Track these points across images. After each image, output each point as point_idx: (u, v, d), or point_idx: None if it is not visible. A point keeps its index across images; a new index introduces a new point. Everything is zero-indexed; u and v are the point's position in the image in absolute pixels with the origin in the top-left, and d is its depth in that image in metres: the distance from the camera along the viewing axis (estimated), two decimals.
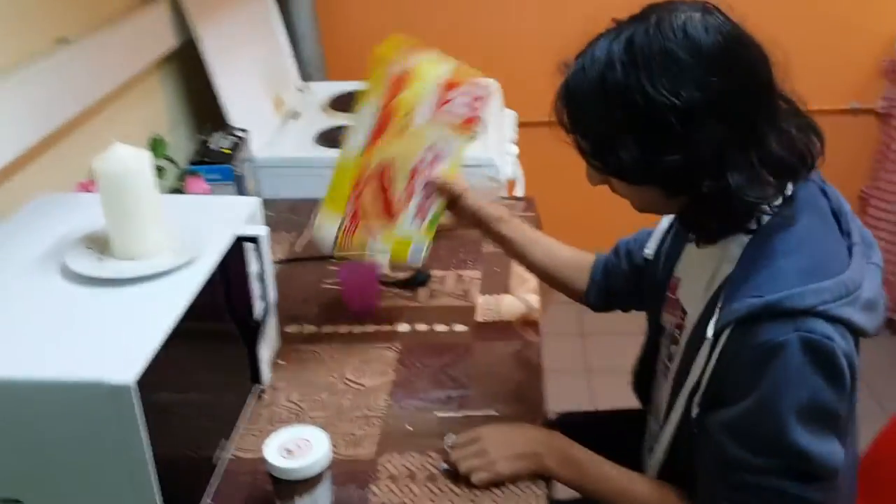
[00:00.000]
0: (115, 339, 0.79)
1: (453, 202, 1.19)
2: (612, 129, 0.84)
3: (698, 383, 0.88)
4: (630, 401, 1.31)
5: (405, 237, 1.17)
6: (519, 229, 1.21)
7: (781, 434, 0.80)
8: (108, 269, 0.89)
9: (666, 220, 1.12)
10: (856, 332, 0.82)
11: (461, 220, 1.22)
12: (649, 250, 1.13)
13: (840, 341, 0.79)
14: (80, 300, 0.86)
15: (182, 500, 0.89)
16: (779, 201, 0.86)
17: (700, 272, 0.94)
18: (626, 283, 1.19)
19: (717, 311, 0.85)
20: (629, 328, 1.30)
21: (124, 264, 0.90)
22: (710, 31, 0.80)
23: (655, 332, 1.10)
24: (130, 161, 0.88)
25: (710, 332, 0.84)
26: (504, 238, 1.21)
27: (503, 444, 0.99)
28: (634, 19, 0.84)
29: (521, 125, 2.18)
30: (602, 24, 0.89)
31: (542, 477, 0.99)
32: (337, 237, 1.13)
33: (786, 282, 0.80)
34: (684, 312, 0.98)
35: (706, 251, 0.93)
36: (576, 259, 1.24)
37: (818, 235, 0.86)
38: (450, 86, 1.12)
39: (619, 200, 0.96)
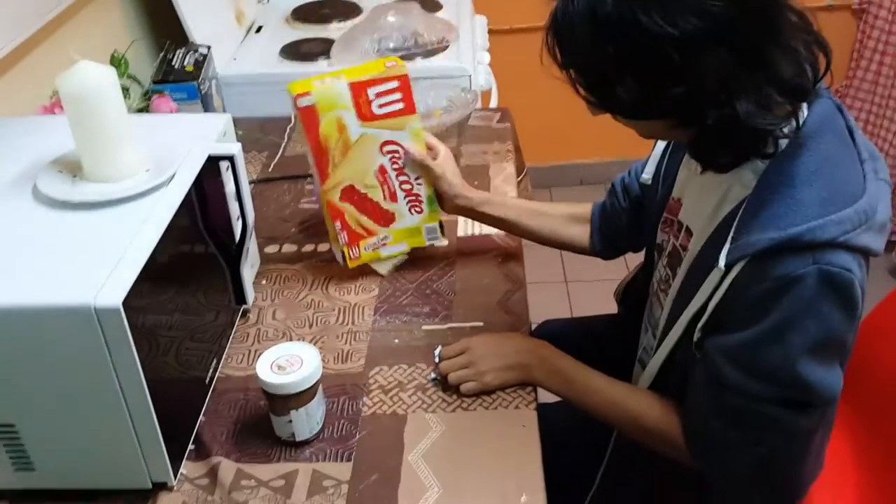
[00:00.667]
0: (97, 262, 0.78)
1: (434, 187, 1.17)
2: (608, 66, 0.78)
3: (703, 309, 0.86)
4: (609, 309, 1.34)
5: (413, 226, 1.19)
6: (505, 206, 1.18)
7: (788, 364, 0.80)
8: (82, 191, 0.87)
9: (661, 143, 1.08)
10: (869, 256, 0.81)
11: (444, 209, 1.18)
12: (647, 175, 1.09)
13: (857, 271, 0.78)
14: (56, 224, 0.84)
15: (178, 420, 0.90)
16: (792, 125, 0.81)
17: (706, 194, 0.91)
18: (628, 220, 1.16)
19: (730, 240, 0.82)
20: None
21: (98, 186, 0.88)
22: None
23: (650, 253, 1.09)
24: (96, 78, 0.84)
25: (721, 262, 0.81)
26: (493, 219, 1.18)
27: (492, 355, 1.00)
28: None
29: (491, 32, 2.12)
30: None
31: (530, 384, 1.01)
32: (344, 257, 1.18)
33: (807, 213, 0.77)
34: (689, 234, 0.95)
35: (713, 174, 0.89)
36: (572, 214, 1.21)
37: (837, 158, 0.82)
38: (358, 89, 1.09)
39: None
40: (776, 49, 0.78)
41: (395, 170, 1.14)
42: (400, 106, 1.11)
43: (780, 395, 0.83)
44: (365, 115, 1.10)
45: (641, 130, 0.88)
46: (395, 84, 1.10)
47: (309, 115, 1.08)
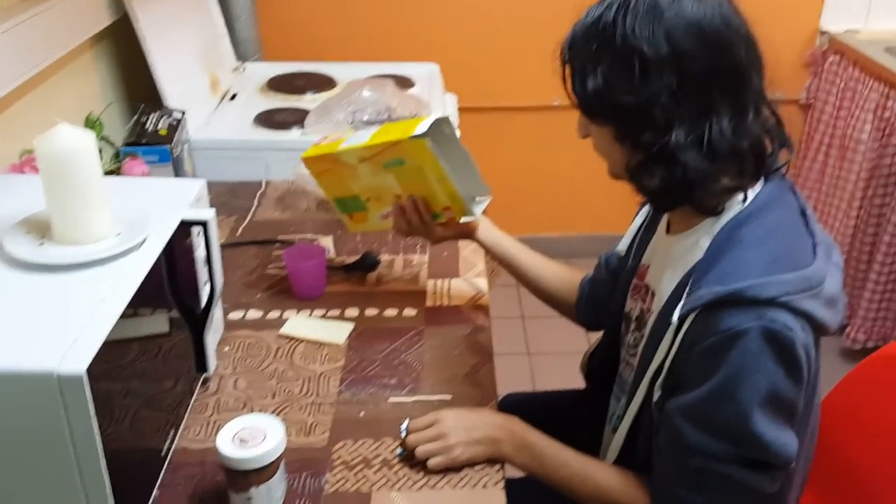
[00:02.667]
0: (61, 326, 0.76)
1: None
2: (589, 60, 0.89)
3: (661, 367, 0.90)
4: (572, 382, 1.34)
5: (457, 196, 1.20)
6: (508, 246, 1.29)
7: (740, 421, 0.82)
8: (50, 253, 0.85)
9: (639, 218, 1.14)
10: (817, 328, 0.85)
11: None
12: (621, 246, 1.15)
13: (800, 333, 0.81)
14: (22, 286, 0.82)
15: (132, 492, 0.86)
16: (745, 196, 0.89)
17: (670, 258, 0.96)
18: (608, 293, 1.20)
19: (684, 296, 0.87)
20: None
21: (67, 249, 0.86)
22: (704, 4, 0.85)
23: (616, 321, 1.12)
24: (75, 142, 0.83)
25: (675, 316, 0.86)
26: (502, 252, 1.28)
27: (461, 429, 0.99)
28: None
29: (461, 110, 2.18)
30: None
31: (499, 459, 1.00)
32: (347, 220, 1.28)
33: (751, 271, 0.82)
34: (653, 296, 1.00)
35: (677, 239, 0.95)
36: (564, 278, 1.28)
37: (786, 229, 0.89)
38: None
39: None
40: (727, 111, 0.85)
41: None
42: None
43: (740, 454, 0.84)
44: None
45: (596, 142, 0.96)
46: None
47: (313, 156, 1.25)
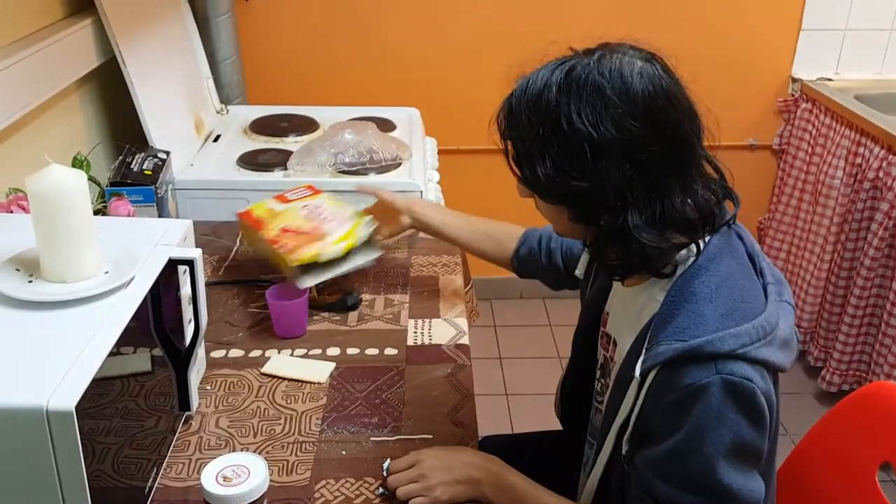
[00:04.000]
0: (51, 363, 0.77)
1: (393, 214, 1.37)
2: (535, 143, 0.89)
3: (627, 421, 0.92)
4: (548, 423, 1.36)
5: (344, 233, 1.36)
6: (445, 223, 1.38)
7: (707, 472, 0.84)
8: (39, 291, 0.86)
9: None
10: (775, 370, 0.88)
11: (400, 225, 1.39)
12: (579, 271, 1.18)
13: (760, 381, 0.84)
14: (11, 323, 0.83)
15: None
16: (690, 249, 0.91)
17: (628, 308, 0.99)
18: (543, 273, 1.34)
19: (644, 350, 0.89)
20: (545, 352, 1.35)
21: (56, 286, 0.87)
22: (644, 79, 0.85)
23: (581, 362, 1.14)
24: (66, 182, 0.86)
25: (637, 371, 0.88)
26: (433, 230, 1.39)
27: (441, 469, 1.00)
28: (585, 52, 0.90)
29: (440, 152, 2.23)
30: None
31: (479, 500, 1.01)
32: (286, 262, 1.33)
33: (707, 326, 0.84)
34: (615, 345, 1.02)
35: (633, 292, 0.97)
36: (501, 231, 1.39)
37: (736, 279, 0.90)
38: (281, 196, 1.50)
39: (536, 224, 1.01)
40: (679, 185, 0.87)
41: (316, 212, 1.41)
42: (309, 192, 1.49)
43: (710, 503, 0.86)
44: (282, 198, 1.47)
45: (551, 219, 0.98)
46: (306, 190, 1.50)
47: (247, 214, 1.44)
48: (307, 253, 1.31)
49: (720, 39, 2.56)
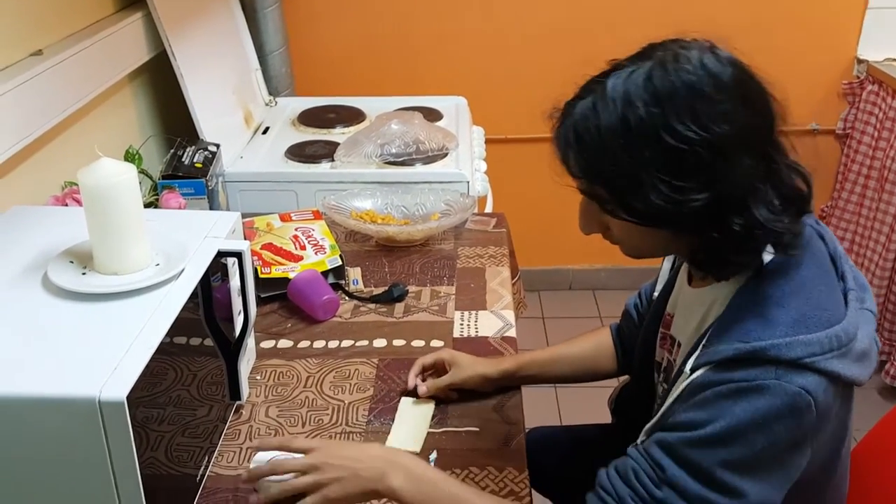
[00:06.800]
0: (103, 354, 0.78)
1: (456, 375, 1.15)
2: (639, 172, 0.79)
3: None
4: (598, 416, 1.34)
5: (317, 261, 1.42)
6: (533, 364, 1.20)
7: (727, 470, 0.79)
8: (92, 283, 0.88)
9: (667, 262, 1.11)
10: (846, 383, 0.82)
11: (466, 381, 1.15)
12: (658, 292, 1.10)
13: (820, 395, 0.78)
14: (64, 315, 0.85)
15: None
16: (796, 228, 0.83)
17: (693, 310, 0.93)
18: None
19: (700, 348, 0.84)
20: None
21: (108, 278, 0.89)
22: (726, 64, 0.80)
23: (644, 367, 1.09)
24: (117, 175, 0.87)
25: (688, 366, 0.83)
26: (528, 379, 1.20)
27: (340, 460, 0.89)
28: (639, 58, 0.82)
29: (488, 142, 2.21)
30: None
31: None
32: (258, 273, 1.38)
33: (775, 331, 0.79)
34: (678, 347, 0.97)
35: (700, 292, 0.92)
36: (596, 346, 1.24)
37: (814, 284, 0.84)
38: (285, 216, 1.59)
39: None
40: (781, 161, 0.82)
41: (304, 236, 1.49)
42: (310, 216, 1.57)
43: (711, 500, 0.80)
44: (285, 218, 1.56)
45: (639, 245, 0.89)
46: (309, 214, 1.58)
47: (249, 223, 1.53)
48: (276, 272, 1.39)
49: (780, 18, 2.46)
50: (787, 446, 0.80)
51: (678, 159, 0.77)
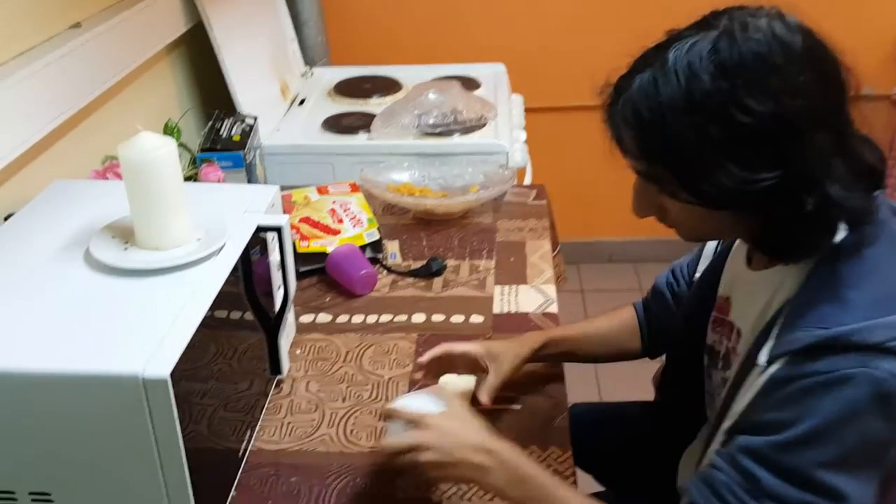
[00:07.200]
0: (146, 330, 0.78)
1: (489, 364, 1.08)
2: (705, 151, 0.74)
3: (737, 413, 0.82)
4: (638, 392, 1.31)
5: (355, 234, 1.41)
6: (564, 341, 1.15)
7: (822, 470, 0.75)
8: (134, 258, 0.88)
9: (713, 242, 1.07)
10: None
11: (511, 372, 1.09)
12: (700, 273, 1.06)
13: None
14: (107, 290, 0.85)
15: (211, 492, 0.88)
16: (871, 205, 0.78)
17: (756, 294, 0.88)
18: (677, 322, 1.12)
19: (773, 338, 0.79)
20: None
21: (150, 254, 0.89)
22: (796, 32, 0.74)
23: (690, 351, 1.04)
24: (156, 150, 0.86)
25: (762, 358, 0.78)
26: (557, 357, 1.16)
27: (442, 446, 0.85)
28: (701, 27, 0.76)
29: (527, 111, 2.16)
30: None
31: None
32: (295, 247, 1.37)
33: (856, 314, 0.74)
34: (738, 335, 0.92)
35: (763, 275, 0.87)
36: (619, 325, 1.20)
37: (891, 262, 0.79)
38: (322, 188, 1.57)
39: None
40: (852, 132, 0.78)
41: (342, 209, 1.47)
42: (348, 189, 1.55)
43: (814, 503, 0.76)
44: (322, 190, 1.54)
45: (700, 227, 0.85)
46: (346, 187, 1.56)
47: (287, 196, 1.50)
48: (314, 245, 1.38)
49: None
50: (880, 437, 0.75)
51: (747, 136, 0.73)
